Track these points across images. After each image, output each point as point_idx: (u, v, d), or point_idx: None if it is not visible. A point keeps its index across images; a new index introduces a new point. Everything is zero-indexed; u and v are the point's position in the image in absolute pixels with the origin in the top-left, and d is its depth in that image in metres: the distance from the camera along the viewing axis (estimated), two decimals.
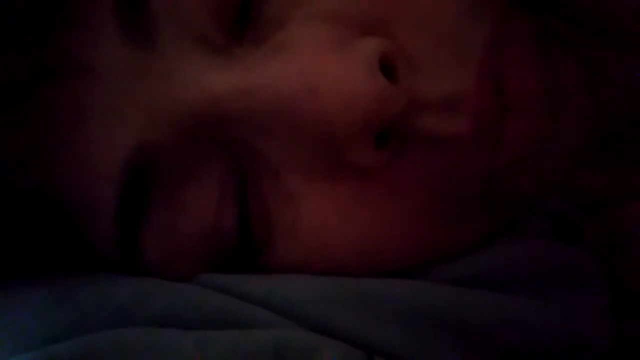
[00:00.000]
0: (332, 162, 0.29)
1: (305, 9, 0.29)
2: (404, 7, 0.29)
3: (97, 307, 0.29)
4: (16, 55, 0.29)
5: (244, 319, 0.29)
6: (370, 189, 0.29)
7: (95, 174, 0.29)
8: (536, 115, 0.30)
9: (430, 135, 0.29)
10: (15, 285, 0.30)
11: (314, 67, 0.28)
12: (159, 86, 0.29)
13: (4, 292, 0.30)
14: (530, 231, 0.33)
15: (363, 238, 0.30)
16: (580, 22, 0.33)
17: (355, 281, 0.30)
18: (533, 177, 0.31)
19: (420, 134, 0.29)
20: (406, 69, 0.28)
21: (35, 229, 0.30)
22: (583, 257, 0.33)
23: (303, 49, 0.28)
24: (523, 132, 0.29)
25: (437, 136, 0.29)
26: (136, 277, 0.30)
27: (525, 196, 0.32)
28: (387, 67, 0.28)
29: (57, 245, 0.31)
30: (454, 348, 0.29)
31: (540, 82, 0.30)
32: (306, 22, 0.29)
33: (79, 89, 0.29)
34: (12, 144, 0.29)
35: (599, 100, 0.32)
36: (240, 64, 0.29)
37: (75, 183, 0.29)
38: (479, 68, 0.29)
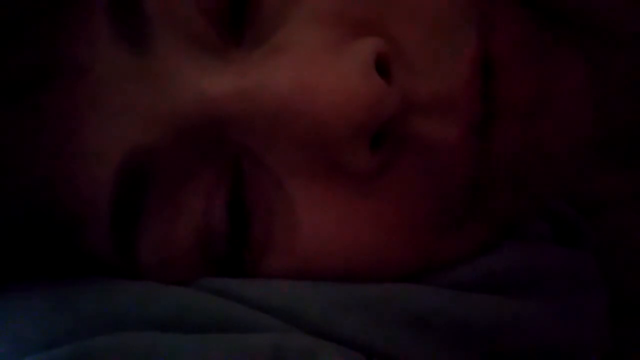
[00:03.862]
0: (329, 166, 0.29)
1: (302, 9, 0.29)
2: (398, 6, 0.29)
3: (97, 311, 0.29)
4: (12, 57, 0.29)
5: (244, 323, 0.29)
6: (367, 194, 0.29)
7: (90, 175, 0.29)
8: (528, 120, 0.29)
9: (421, 138, 0.29)
10: (15, 290, 0.30)
11: (311, 70, 0.28)
12: (155, 88, 0.29)
13: (4, 297, 0.30)
14: (529, 234, 0.33)
15: (361, 244, 0.30)
16: (582, 22, 0.32)
17: (354, 285, 0.30)
18: (531, 186, 0.31)
19: (413, 136, 0.29)
20: (401, 69, 0.28)
21: (33, 231, 0.30)
22: (583, 258, 0.33)
23: (300, 51, 0.28)
24: (513, 139, 0.29)
25: (428, 140, 0.29)
26: (136, 281, 0.30)
27: (525, 204, 0.32)
28: (382, 67, 0.28)
29: (56, 249, 0.31)
30: (453, 351, 0.29)
31: (534, 83, 0.30)
32: (302, 23, 0.29)
33: (74, 91, 0.29)
34: (7, 145, 0.29)
35: (600, 101, 0.32)
36: (237, 66, 0.29)
37: (71, 184, 0.29)
38: (469, 67, 0.29)
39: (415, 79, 0.29)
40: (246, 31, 0.29)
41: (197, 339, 0.28)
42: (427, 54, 0.29)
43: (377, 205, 0.30)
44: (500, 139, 0.29)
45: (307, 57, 0.28)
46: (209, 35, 0.29)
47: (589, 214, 0.35)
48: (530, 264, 0.32)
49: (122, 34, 0.29)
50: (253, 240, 0.30)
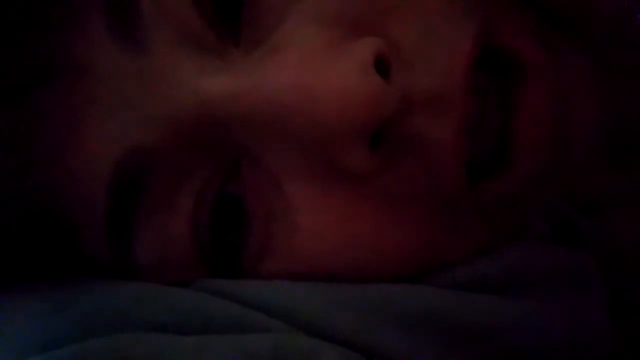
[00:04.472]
0: (328, 166, 0.29)
1: (300, 10, 0.29)
2: (397, 5, 0.29)
3: (97, 312, 0.29)
4: (9, 57, 0.29)
5: (243, 323, 0.29)
6: (366, 195, 0.29)
7: (87, 175, 0.29)
8: (548, 122, 0.29)
9: (420, 138, 0.29)
10: (15, 291, 0.30)
11: (310, 70, 0.28)
12: (154, 88, 0.29)
13: (4, 298, 0.30)
14: (529, 234, 0.33)
15: (360, 244, 0.30)
16: (584, 23, 0.32)
17: (355, 286, 0.30)
18: (541, 187, 0.31)
19: (412, 136, 0.29)
20: (400, 68, 0.28)
21: (32, 233, 0.30)
22: (582, 259, 0.33)
23: (299, 52, 0.28)
24: (535, 143, 0.29)
25: (426, 139, 0.28)
26: (135, 282, 0.30)
27: (531, 205, 0.32)
28: (381, 67, 0.28)
29: (56, 251, 0.31)
30: (453, 351, 0.29)
31: (551, 82, 0.30)
32: (301, 23, 0.29)
33: (73, 91, 0.29)
34: (5, 146, 0.29)
35: (605, 102, 0.32)
36: (236, 67, 0.29)
37: (68, 185, 0.29)
38: (463, 66, 0.28)
39: (414, 78, 0.29)
40: (244, 31, 0.29)
41: (197, 340, 0.28)
42: (426, 53, 0.29)
43: (376, 205, 0.29)
44: (522, 141, 0.29)
45: (306, 57, 0.28)
46: (207, 35, 0.29)
47: (589, 214, 0.35)
48: (530, 264, 0.32)
49: (119, 34, 0.29)
50: (252, 241, 0.30)
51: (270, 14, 0.29)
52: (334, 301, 0.29)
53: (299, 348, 0.28)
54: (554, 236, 0.34)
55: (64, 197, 0.30)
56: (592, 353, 0.32)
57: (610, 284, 0.33)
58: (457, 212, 0.30)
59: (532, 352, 0.30)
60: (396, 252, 0.30)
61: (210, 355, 0.27)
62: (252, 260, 0.30)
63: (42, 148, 0.29)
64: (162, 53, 0.29)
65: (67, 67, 0.29)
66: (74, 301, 0.29)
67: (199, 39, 0.29)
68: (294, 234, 0.30)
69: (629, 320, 0.35)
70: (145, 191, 0.29)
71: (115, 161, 0.29)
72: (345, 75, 0.27)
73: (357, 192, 0.29)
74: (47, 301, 0.30)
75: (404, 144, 0.29)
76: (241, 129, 0.29)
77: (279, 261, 0.30)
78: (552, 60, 0.30)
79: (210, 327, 0.29)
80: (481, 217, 0.31)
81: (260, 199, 0.30)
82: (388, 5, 0.29)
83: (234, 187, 0.30)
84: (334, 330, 0.29)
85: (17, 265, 0.31)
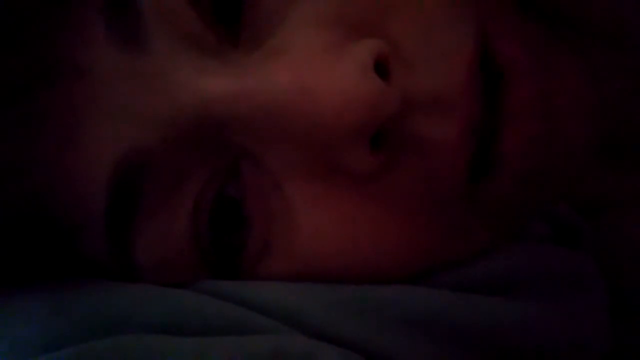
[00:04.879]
0: (329, 167, 0.29)
1: (300, 11, 0.29)
2: (396, 6, 0.29)
3: (97, 314, 0.29)
4: (7, 58, 0.29)
5: (243, 325, 0.29)
6: (366, 196, 0.29)
7: (86, 176, 0.29)
8: (535, 120, 0.29)
9: (421, 138, 0.29)
10: (14, 294, 0.30)
11: (310, 71, 0.28)
12: (153, 89, 0.29)
13: (3, 300, 0.30)
14: (529, 234, 0.33)
15: (360, 246, 0.30)
16: (583, 25, 0.32)
17: (355, 287, 0.30)
18: (536, 188, 0.31)
19: (413, 137, 0.29)
20: (400, 70, 0.28)
21: (32, 235, 0.30)
22: (582, 260, 0.33)
23: (299, 53, 0.28)
24: (522, 141, 0.29)
25: (427, 140, 0.29)
26: (135, 284, 0.30)
27: (528, 206, 0.32)
28: (382, 68, 0.28)
29: (55, 253, 0.31)
30: (453, 353, 0.29)
31: (539, 84, 0.30)
32: (301, 25, 0.29)
33: (72, 92, 0.29)
34: (5, 147, 0.29)
35: (600, 103, 0.32)
36: (235, 68, 0.29)
37: (67, 186, 0.29)
38: (467, 67, 0.28)
39: (415, 79, 0.29)
40: (243, 32, 0.29)
41: (197, 341, 0.28)
42: (426, 54, 0.29)
43: (376, 206, 0.30)
44: (508, 140, 0.29)
45: (307, 59, 0.28)
46: (206, 36, 0.29)
47: (589, 214, 0.35)
48: (531, 265, 0.32)
49: (118, 34, 0.29)
50: (252, 242, 0.30)
51: (270, 15, 0.29)
52: (333, 302, 0.29)
53: (299, 349, 0.28)
54: (554, 237, 0.34)
55: (64, 197, 0.29)
56: (592, 353, 0.32)
57: (610, 284, 0.33)
58: (457, 213, 0.30)
59: (533, 353, 0.30)
60: (396, 252, 0.30)
61: (210, 357, 0.27)
62: (252, 261, 0.30)
63: (42, 149, 0.29)
64: (161, 54, 0.29)
65: (67, 67, 0.29)
66: (74, 303, 0.29)
67: (198, 40, 0.29)
68: (294, 234, 0.30)
69: (629, 320, 0.35)
70: (144, 192, 0.29)
71: (114, 162, 0.29)
72: (344, 76, 0.27)
73: (358, 192, 0.29)
74: (47, 303, 0.30)
75: (405, 144, 0.29)
76: (241, 129, 0.29)
77: (279, 262, 0.30)
78: (541, 62, 0.30)
79: (210, 328, 0.29)
80: (481, 217, 0.31)
81: (260, 199, 0.30)
82: (388, 6, 0.29)
83: (233, 188, 0.30)
84: (334, 332, 0.29)
85: (17, 267, 0.31)
